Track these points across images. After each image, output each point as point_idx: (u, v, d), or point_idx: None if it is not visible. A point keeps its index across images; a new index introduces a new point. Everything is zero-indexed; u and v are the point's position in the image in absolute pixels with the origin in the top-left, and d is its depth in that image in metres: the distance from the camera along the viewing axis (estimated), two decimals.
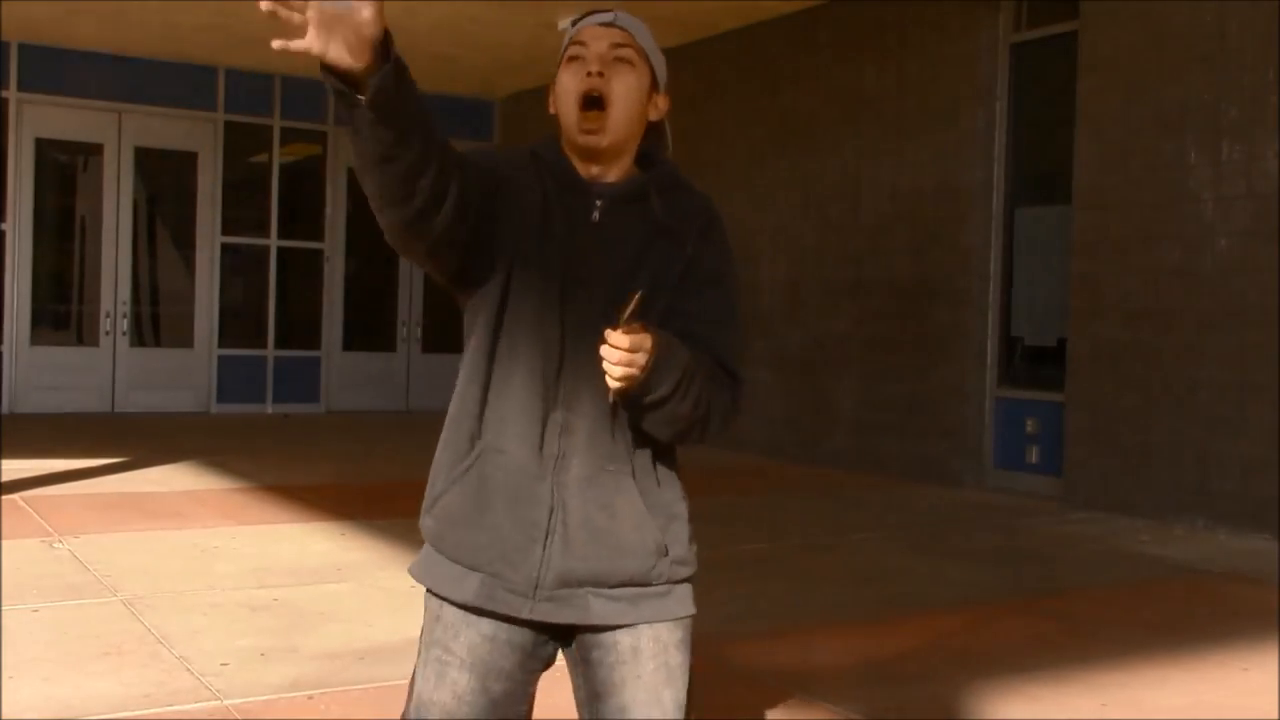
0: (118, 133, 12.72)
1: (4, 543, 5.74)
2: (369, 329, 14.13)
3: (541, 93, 11.74)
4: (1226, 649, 4.64)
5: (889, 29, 9.53)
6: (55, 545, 5.86)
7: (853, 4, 9.83)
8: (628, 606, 1.92)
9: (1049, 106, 8.76)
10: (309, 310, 13.76)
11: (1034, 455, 8.60)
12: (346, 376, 13.88)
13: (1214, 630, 4.97)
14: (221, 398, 13.18)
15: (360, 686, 3.84)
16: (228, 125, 13.19)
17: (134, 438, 10.51)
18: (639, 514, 1.91)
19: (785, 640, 4.61)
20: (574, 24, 2.02)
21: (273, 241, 13.50)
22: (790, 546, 6.52)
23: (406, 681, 4.07)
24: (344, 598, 5.03)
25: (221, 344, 13.23)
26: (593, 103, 1.92)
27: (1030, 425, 8.63)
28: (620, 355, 1.73)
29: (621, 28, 1.97)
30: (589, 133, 1.92)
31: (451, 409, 1.97)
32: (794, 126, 10.39)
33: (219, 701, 3.64)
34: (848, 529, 7.20)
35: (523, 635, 1.93)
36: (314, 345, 13.73)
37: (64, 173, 13.05)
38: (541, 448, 1.89)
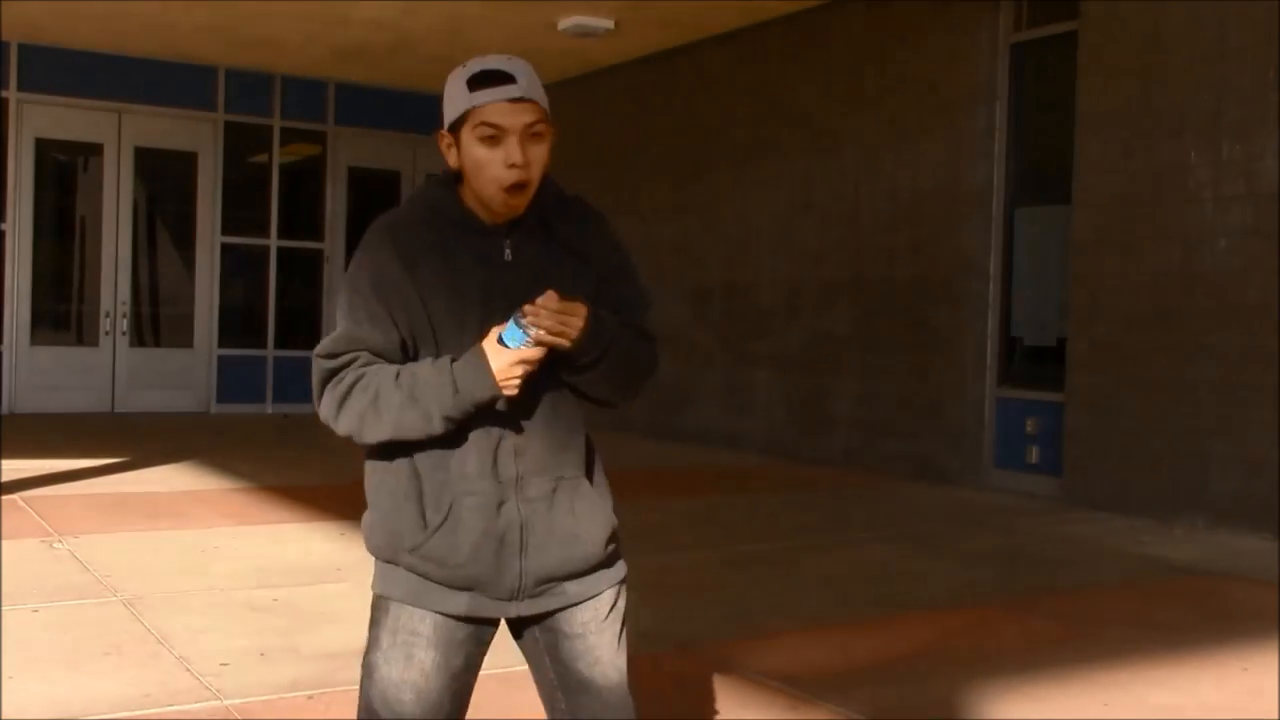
0: (118, 133, 12.72)
1: (4, 543, 5.74)
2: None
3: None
4: (1226, 649, 4.64)
5: (889, 29, 9.53)
6: (55, 545, 5.86)
7: (853, 4, 9.83)
8: (593, 582, 2.20)
9: (1049, 106, 8.76)
10: (309, 310, 13.77)
11: (1034, 455, 8.59)
12: None
13: (1214, 630, 4.97)
14: (221, 398, 13.18)
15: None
16: (228, 125, 13.19)
17: (134, 438, 10.51)
18: (595, 509, 2.19)
19: (785, 640, 4.61)
20: (470, 86, 2.06)
21: (273, 241, 13.50)
22: (790, 546, 6.52)
23: None
24: (344, 598, 5.02)
25: (221, 344, 13.23)
26: (518, 188, 2.06)
27: (1030, 425, 8.63)
28: (553, 313, 1.97)
29: (531, 99, 2.06)
30: (514, 207, 2.09)
31: (391, 464, 2.15)
32: (794, 126, 10.38)
33: (219, 701, 3.64)
34: (848, 529, 7.20)
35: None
36: (314, 345, 13.60)
37: (64, 173, 13.06)
38: (498, 475, 2.11)
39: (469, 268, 2.09)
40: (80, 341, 12.86)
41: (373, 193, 14.11)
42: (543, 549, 2.13)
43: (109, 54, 12.48)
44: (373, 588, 2.20)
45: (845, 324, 9.86)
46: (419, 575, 2.12)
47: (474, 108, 2.04)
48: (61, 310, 13.01)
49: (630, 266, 2.25)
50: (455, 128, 2.08)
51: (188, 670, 3.93)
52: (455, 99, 2.08)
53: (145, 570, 5.38)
